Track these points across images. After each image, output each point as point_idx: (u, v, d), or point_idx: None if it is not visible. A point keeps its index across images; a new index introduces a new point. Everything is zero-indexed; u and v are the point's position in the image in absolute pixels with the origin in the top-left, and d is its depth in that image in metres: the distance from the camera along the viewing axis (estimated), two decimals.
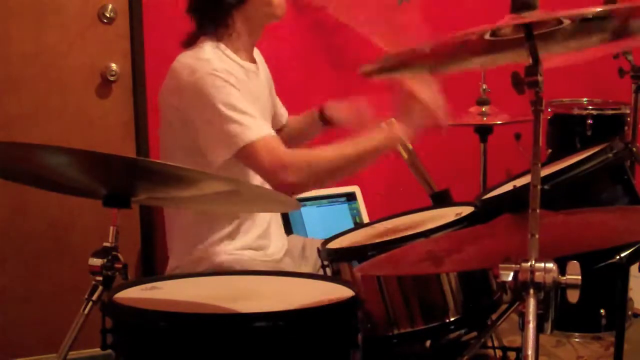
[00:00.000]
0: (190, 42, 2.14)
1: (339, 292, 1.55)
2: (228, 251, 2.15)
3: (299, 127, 2.45)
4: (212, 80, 1.98)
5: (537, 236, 1.22)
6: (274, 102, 2.39)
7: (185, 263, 2.16)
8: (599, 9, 1.18)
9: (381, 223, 2.03)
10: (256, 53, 2.30)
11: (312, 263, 2.28)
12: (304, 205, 3.06)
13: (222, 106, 1.97)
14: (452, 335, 1.90)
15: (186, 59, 2.07)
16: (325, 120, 2.36)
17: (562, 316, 1.28)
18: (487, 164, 2.87)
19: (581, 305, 1.25)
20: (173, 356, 1.39)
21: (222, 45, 2.12)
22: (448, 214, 1.85)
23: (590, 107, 3.27)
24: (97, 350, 1.56)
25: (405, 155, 2.54)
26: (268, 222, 2.25)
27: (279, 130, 2.35)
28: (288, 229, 2.95)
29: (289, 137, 2.39)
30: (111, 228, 1.53)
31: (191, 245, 2.16)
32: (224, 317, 1.44)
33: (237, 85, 2.01)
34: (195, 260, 2.14)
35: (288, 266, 2.23)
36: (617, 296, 2.11)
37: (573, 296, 1.23)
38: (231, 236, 2.16)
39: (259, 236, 2.22)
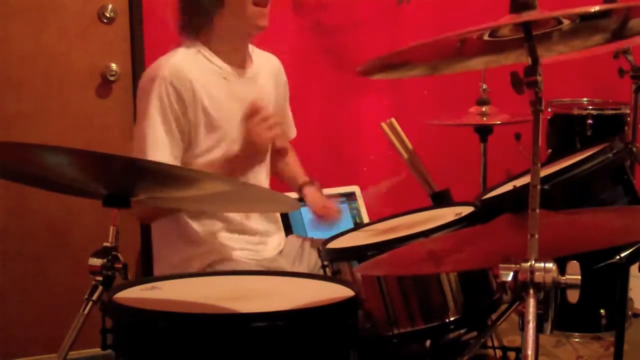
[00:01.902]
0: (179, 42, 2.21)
1: (339, 292, 1.55)
2: (220, 250, 2.15)
3: (287, 175, 2.48)
4: (152, 90, 2.08)
5: (536, 236, 1.22)
6: (281, 115, 2.38)
7: (176, 263, 2.17)
8: (597, 8, 1.18)
9: (381, 223, 2.03)
10: (267, 60, 2.33)
11: (306, 263, 2.28)
12: (304, 206, 3.05)
13: (143, 117, 2.09)
14: (452, 335, 1.90)
15: (154, 63, 2.16)
16: (300, 194, 2.41)
17: (562, 316, 1.28)
18: (487, 164, 2.87)
19: (581, 305, 1.25)
20: (173, 356, 1.40)
21: (201, 46, 2.17)
22: (448, 214, 1.85)
23: (590, 107, 3.27)
24: (97, 350, 1.56)
25: (405, 155, 2.54)
26: (265, 221, 2.26)
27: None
28: (288, 229, 2.95)
29: (278, 171, 2.45)
30: (111, 228, 1.53)
31: (181, 246, 2.17)
32: (224, 317, 1.44)
33: (169, 103, 2.07)
34: (185, 260, 2.16)
35: (282, 266, 2.23)
36: (617, 296, 2.11)
37: (573, 296, 1.23)
38: (221, 235, 2.17)
39: (255, 235, 2.22)
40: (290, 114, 2.48)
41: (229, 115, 2.15)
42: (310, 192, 2.38)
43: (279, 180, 2.49)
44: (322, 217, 2.34)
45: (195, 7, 2.15)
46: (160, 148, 2.07)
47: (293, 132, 2.51)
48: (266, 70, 2.31)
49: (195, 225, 2.16)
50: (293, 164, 2.47)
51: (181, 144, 2.11)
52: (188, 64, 2.13)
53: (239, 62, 2.22)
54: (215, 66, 2.16)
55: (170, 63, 2.12)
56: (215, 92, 2.14)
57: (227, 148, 2.14)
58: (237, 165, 2.11)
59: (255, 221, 2.24)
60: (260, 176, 2.27)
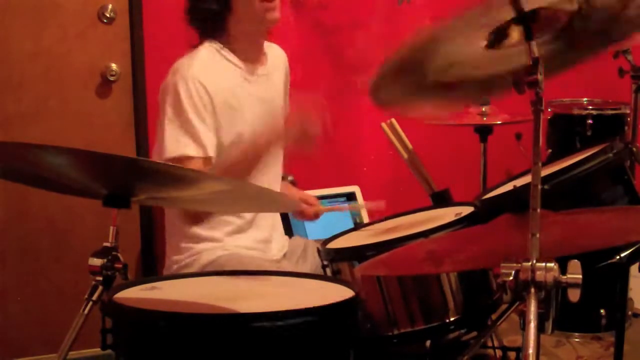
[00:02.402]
0: (196, 43, 2.21)
1: (339, 292, 1.55)
2: (227, 248, 2.16)
3: None
4: (179, 86, 2.08)
5: (537, 235, 1.22)
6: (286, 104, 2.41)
7: (185, 257, 2.19)
8: None
9: (381, 223, 2.03)
10: (274, 52, 2.33)
11: (309, 264, 2.28)
12: None
13: (172, 113, 2.08)
14: (452, 335, 1.90)
15: (177, 62, 2.15)
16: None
17: (562, 316, 1.28)
18: (487, 164, 2.87)
19: (581, 305, 1.25)
20: (173, 356, 1.39)
21: (220, 47, 2.17)
22: (448, 214, 1.85)
23: (590, 107, 3.27)
24: (97, 350, 1.56)
25: (405, 155, 2.54)
26: (271, 223, 2.27)
27: None
28: (288, 229, 2.95)
29: None
30: (111, 228, 1.53)
31: (190, 241, 2.19)
32: (224, 317, 1.44)
33: (200, 99, 2.07)
34: (195, 253, 2.18)
35: (286, 268, 2.23)
36: (617, 296, 2.11)
37: (574, 295, 1.23)
38: (233, 233, 2.19)
39: (261, 236, 2.24)
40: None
41: (247, 113, 2.16)
42: (283, 187, 2.40)
43: None
44: (300, 213, 2.37)
45: (204, 15, 2.17)
46: (207, 144, 2.07)
47: None
48: (276, 64, 2.32)
49: (204, 224, 2.18)
50: None
51: (214, 133, 2.11)
52: (210, 63, 2.14)
53: (256, 59, 2.23)
54: (234, 65, 2.18)
55: (195, 61, 2.13)
56: (234, 91, 2.16)
57: (244, 145, 2.14)
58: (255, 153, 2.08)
59: (261, 223, 2.25)
60: (269, 176, 2.28)
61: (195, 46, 2.19)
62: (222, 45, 2.18)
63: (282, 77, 2.35)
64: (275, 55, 2.33)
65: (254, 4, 2.12)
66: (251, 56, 2.21)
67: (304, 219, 2.42)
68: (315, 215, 2.37)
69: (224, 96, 2.12)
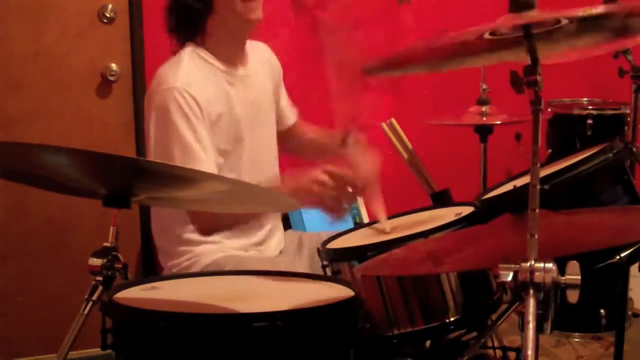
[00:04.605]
0: (177, 48, 2.18)
1: (339, 292, 1.55)
2: (225, 250, 2.16)
3: (316, 141, 2.42)
4: (167, 99, 2.04)
5: (536, 236, 1.22)
6: (277, 101, 2.38)
7: (183, 260, 2.18)
8: (599, 10, 1.17)
9: (381, 223, 2.03)
10: (257, 50, 2.30)
11: (306, 258, 2.28)
12: None
13: (164, 129, 2.05)
14: (452, 336, 1.89)
15: (161, 69, 2.13)
16: (344, 142, 2.19)
17: (562, 316, 1.28)
18: (487, 164, 2.87)
19: (581, 305, 1.25)
20: (173, 356, 1.40)
21: (202, 51, 2.15)
22: (448, 214, 1.85)
23: (590, 107, 3.27)
24: (97, 350, 1.56)
25: (405, 155, 2.54)
26: (270, 226, 2.27)
27: (284, 132, 2.36)
28: (287, 227, 2.95)
29: (300, 147, 2.42)
30: (111, 228, 1.53)
31: (188, 245, 2.17)
32: (224, 317, 1.44)
33: (189, 109, 2.03)
34: (194, 256, 2.16)
35: (283, 264, 2.23)
36: (617, 296, 2.11)
37: (573, 296, 1.23)
38: (231, 237, 2.18)
39: (260, 238, 2.24)
40: (287, 97, 2.44)
41: (234, 117, 2.15)
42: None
43: (307, 158, 2.42)
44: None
45: (186, 14, 2.15)
46: (199, 160, 2.02)
47: (292, 118, 2.45)
48: (260, 62, 2.30)
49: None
50: (316, 131, 2.43)
51: (213, 147, 2.07)
52: (194, 70, 2.11)
53: (238, 60, 2.21)
54: (216, 69, 2.15)
55: (180, 71, 2.09)
56: (220, 95, 2.13)
57: (234, 149, 2.14)
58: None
59: (261, 226, 2.25)
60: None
61: (176, 51, 2.17)
62: (203, 49, 2.15)
63: (268, 74, 2.31)
64: (257, 54, 2.30)
65: (236, 3, 2.10)
66: (232, 57, 2.18)
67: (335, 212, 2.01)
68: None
69: (211, 103, 2.09)
